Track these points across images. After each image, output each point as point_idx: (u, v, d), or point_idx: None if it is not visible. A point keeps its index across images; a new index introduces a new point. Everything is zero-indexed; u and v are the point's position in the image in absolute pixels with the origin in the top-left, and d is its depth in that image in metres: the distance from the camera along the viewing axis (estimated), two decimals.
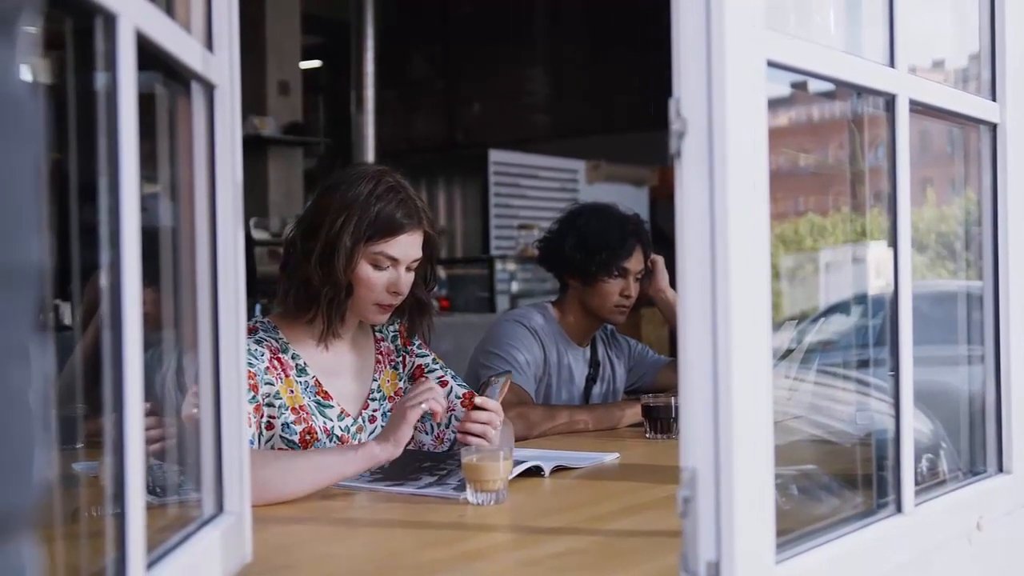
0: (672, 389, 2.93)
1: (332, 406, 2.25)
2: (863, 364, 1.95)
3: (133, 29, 1.02)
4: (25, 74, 0.61)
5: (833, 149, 2.06)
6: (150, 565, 1.07)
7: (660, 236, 4.37)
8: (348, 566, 1.59)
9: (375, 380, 2.37)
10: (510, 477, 1.93)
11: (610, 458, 2.36)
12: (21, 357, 0.56)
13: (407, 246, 2.22)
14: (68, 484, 1.45)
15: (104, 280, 1.00)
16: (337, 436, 2.24)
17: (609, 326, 3.19)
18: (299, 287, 2.21)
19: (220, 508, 1.36)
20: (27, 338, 0.57)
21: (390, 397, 2.37)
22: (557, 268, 3.11)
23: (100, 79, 1.01)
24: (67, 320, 2.78)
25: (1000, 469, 1.80)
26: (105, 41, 0.99)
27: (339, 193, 2.20)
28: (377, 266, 2.20)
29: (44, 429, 0.59)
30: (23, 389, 0.56)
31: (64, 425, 1.37)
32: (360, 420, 2.30)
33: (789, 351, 1.95)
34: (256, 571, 1.43)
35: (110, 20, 0.99)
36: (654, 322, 6.57)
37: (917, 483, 1.54)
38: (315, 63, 10.96)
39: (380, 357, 2.40)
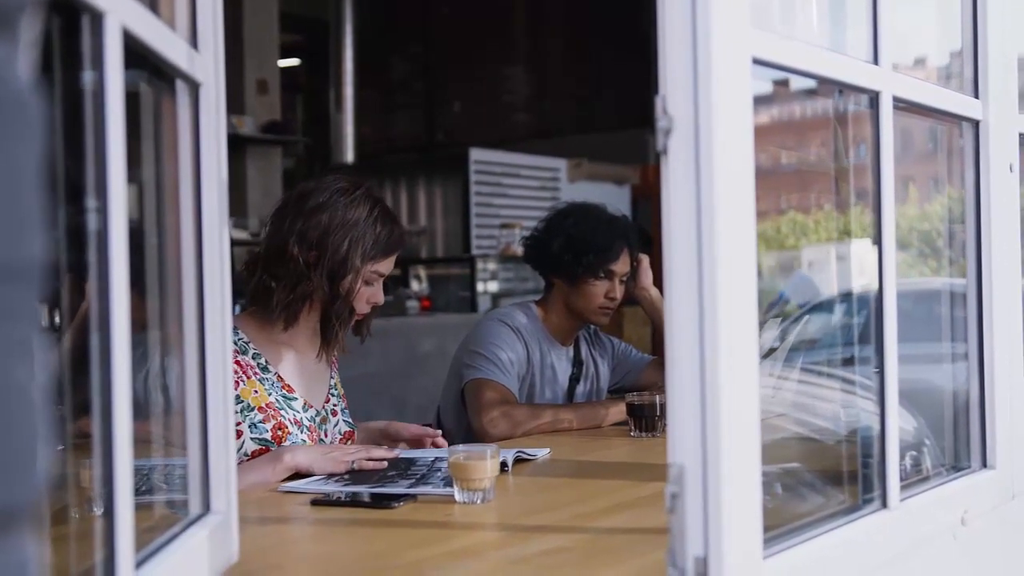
0: (656, 387, 2.94)
1: (296, 398, 2.32)
2: (847, 361, 1.96)
3: (120, 27, 1.01)
4: (27, 72, 0.61)
5: (815, 147, 2.07)
6: (138, 564, 1.06)
7: (641, 234, 4.37)
8: (335, 566, 1.58)
9: (332, 378, 2.47)
10: None
11: (541, 453, 2.36)
12: (25, 352, 0.57)
13: (393, 262, 2.35)
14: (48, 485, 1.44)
15: (90, 280, 0.99)
16: (306, 427, 2.30)
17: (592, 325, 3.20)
18: (301, 301, 2.26)
19: (207, 508, 1.35)
20: (31, 333, 0.57)
21: (342, 395, 2.49)
22: (542, 267, 3.11)
23: (86, 77, 1.00)
24: (45, 321, 2.77)
25: (984, 464, 1.81)
26: (92, 39, 0.99)
27: (336, 213, 2.25)
28: (368, 282, 2.30)
29: (47, 425, 0.59)
30: (27, 384, 0.56)
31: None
32: (324, 412, 2.39)
33: (772, 349, 1.96)
34: (242, 571, 1.42)
35: (97, 18, 0.98)
36: (635, 321, 6.59)
37: (901, 479, 1.54)
38: (294, 61, 10.94)
39: (334, 358, 2.50)
